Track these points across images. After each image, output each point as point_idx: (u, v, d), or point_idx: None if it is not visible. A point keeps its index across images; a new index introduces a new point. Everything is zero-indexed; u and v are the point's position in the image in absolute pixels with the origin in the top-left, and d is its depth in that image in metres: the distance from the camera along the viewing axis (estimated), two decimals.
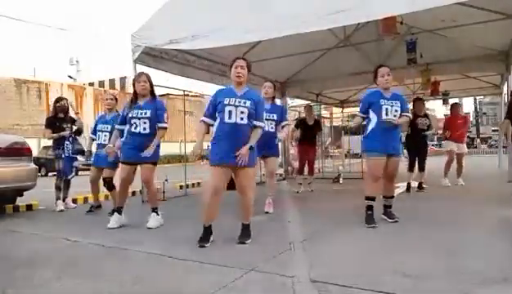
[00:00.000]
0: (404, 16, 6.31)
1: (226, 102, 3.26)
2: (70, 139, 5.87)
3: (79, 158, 6.23)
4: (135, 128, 4.12)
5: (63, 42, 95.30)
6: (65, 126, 5.86)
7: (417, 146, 6.69)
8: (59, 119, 5.90)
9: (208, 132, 3.52)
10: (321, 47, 8.06)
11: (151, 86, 4.25)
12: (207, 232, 3.32)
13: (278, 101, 5.20)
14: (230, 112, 3.23)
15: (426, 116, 6.78)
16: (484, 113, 48.46)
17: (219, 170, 3.24)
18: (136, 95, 4.19)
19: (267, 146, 4.70)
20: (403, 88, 10.99)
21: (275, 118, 4.86)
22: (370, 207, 3.98)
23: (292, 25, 4.71)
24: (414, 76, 9.02)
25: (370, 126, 4.03)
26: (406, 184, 6.59)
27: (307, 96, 11.71)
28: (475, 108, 43.20)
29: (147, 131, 4.11)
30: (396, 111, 3.96)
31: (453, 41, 7.18)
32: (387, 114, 3.92)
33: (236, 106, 3.24)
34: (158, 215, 4.23)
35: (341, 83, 9.85)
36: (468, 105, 46.69)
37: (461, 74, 9.73)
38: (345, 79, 9.40)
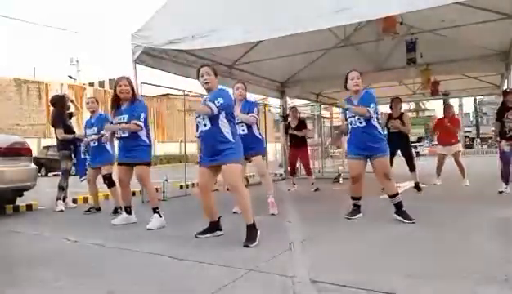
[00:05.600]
0: (404, 16, 6.30)
1: (195, 116, 3.48)
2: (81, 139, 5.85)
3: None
4: (117, 133, 4.28)
5: (63, 42, 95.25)
6: (70, 124, 5.92)
7: (395, 148, 6.40)
8: (66, 118, 5.96)
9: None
10: (321, 47, 8.05)
11: (132, 89, 4.29)
12: (208, 227, 3.60)
13: (249, 96, 5.07)
14: (198, 123, 3.45)
15: (400, 118, 6.51)
16: (484, 113, 48.42)
17: (203, 169, 3.51)
18: (118, 100, 4.25)
19: (247, 147, 4.39)
20: (403, 88, 11.00)
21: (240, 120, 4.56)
22: (354, 204, 4.38)
23: (292, 25, 4.71)
24: (414, 76, 9.02)
25: (349, 132, 4.31)
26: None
27: (307, 96, 11.70)
28: (475, 108, 43.18)
29: (126, 134, 4.20)
30: (358, 119, 4.09)
31: (453, 41, 7.17)
32: (351, 124, 4.18)
33: (200, 114, 3.40)
34: (160, 216, 4.19)
35: (341, 83, 9.77)
36: (468, 105, 46.74)
37: (461, 74, 9.72)
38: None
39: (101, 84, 31.79)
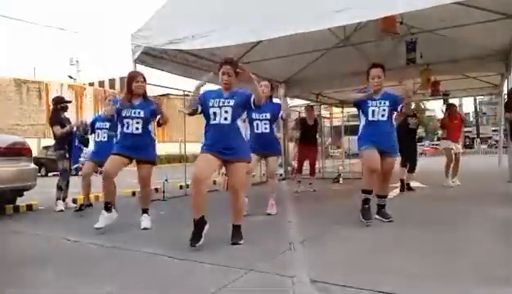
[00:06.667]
0: (404, 16, 6.30)
1: (210, 104, 3.35)
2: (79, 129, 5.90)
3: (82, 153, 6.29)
4: (127, 128, 4.09)
5: (63, 42, 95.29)
6: (67, 125, 5.95)
7: (408, 146, 6.52)
8: (63, 118, 5.99)
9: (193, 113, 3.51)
10: (321, 47, 8.04)
11: (145, 86, 4.26)
12: (197, 229, 3.18)
13: (276, 100, 5.07)
14: (214, 113, 3.33)
15: (415, 115, 6.79)
16: (484, 113, 48.39)
17: (205, 156, 3.28)
18: (131, 95, 4.14)
19: (266, 146, 4.70)
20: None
21: (268, 116, 4.72)
22: (366, 201, 3.99)
23: (292, 25, 4.70)
24: (414, 76, 9.02)
25: (361, 127, 4.19)
26: (399, 182, 6.59)
27: (307, 96, 11.69)
28: (475, 108, 43.15)
29: (139, 131, 4.08)
30: (384, 110, 4.02)
31: (453, 41, 7.16)
32: (373, 116, 4.03)
33: (220, 107, 3.32)
34: (149, 216, 4.19)
35: (341, 83, 9.81)
36: (468, 105, 46.72)
37: (461, 74, 9.72)
38: (345, 79, 9.37)
39: (101, 84, 31.80)
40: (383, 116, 4.01)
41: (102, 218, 4.00)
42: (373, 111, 4.03)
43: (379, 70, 4.06)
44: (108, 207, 4.04)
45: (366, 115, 4.07)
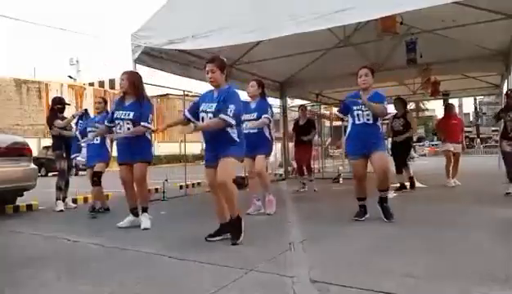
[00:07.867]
0: (404, 16, 6.30)
1: (201, 108, 3.43)
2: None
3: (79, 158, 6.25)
4: (119, 129, 4.14)
5: (63, 42, 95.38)
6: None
7: (395, 148, 6.69)
8: (60, 118, 6.00)
9: (184, 124, 3.68)
10: (321, 47, 8.04)
11: (135, 86, 4.15)
12: (219, 229, 3.44)
13: (270, 99, 4.98)
14: (202, 118, 3.40)
15: (404, 117, 6.77)
16: (484, 113, 48.41)
17: (208, 170, 3.46)
18: (124, 94, 4.18)
19: (253, 147, 4.47)
20: (403, 88, 11.00)
21: (255, 116, 4.64)
22: (361, 206, 4.24)
23: (292, 25, 4.71)
24: (414, 76, 9.01)
25: (348, 129, 4.26)
26: (398, 185, 6.61)
27: (307, 96, 11.69)
28: (475, 108, 43.18)
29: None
30: (368, 115, 4.03)
31: (453, 41, 7.16)
32: (358, 119, 4.08)
33: (207, 112, 3.37)
34: (148, 215, 4.19)
35: (341, 83, 9.80)
36: (468, 105, 46.68)
37: (461, 74, 9.72)
38: (345, 79, 9.32)
39: (101, 84, 31.82)
40: (368, 120, 4.04)
41: (128, 220, 4.22)
42: (357, 115, 4.08)
43: (366, 70, 4.13)
44: (134, 212, 4.23)
45: (353, 119, 4.15)
